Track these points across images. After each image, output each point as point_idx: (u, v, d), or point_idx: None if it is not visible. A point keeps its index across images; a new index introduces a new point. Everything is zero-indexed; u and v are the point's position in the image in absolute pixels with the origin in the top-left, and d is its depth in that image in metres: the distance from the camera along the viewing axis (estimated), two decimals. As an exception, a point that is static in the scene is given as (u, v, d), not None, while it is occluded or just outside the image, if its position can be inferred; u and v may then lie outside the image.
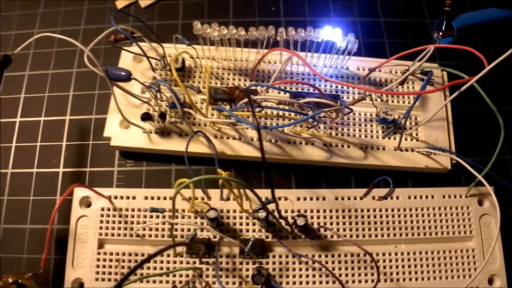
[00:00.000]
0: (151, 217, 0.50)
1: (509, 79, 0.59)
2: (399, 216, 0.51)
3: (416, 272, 0.49)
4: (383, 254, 0.49)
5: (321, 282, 0.48)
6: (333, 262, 0.49)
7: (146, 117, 0.50)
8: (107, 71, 0.46)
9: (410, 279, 0.49)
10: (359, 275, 0.48)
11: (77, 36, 0.61)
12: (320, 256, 0.49)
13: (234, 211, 0.50)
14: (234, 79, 0.56)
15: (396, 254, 0.49)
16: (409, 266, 0.49)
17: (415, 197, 0.51)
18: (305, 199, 0.51)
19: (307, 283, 0.48)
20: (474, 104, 0.56)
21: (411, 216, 0.51)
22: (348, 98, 0.55)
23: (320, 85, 0.56)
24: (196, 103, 0.54)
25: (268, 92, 0.54)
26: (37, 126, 0.56)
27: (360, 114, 0.55)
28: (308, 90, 0.55)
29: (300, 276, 0.48)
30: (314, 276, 0.48)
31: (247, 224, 0.50)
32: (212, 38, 0.50)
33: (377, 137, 0.54)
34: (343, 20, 0.63)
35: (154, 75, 0.54)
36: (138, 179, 0.54)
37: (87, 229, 0.49)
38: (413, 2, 0.65)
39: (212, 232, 0.48)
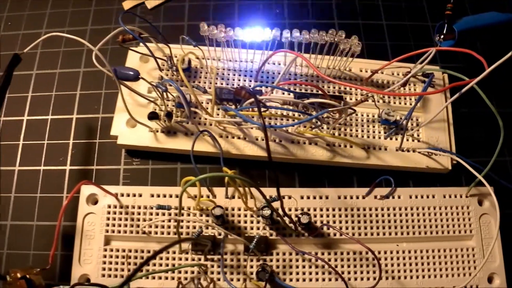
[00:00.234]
0: (157, 214, 0.50)
1: (509, 81, 0.60)
2: (400, 215, 0.51)
3: (417, 270, 0.50)
4: (385, 252, 0.50)
5: (324, 279, 0.49)
6: (335, 260, 0.49)
7: (153, 116, 0.51)
8: (115, 70, 0.47)
9: (411, 277, 0.49)
10: (361, 272, 0.49)
11: (84, 36, 0.62)
12: (323, 253, 0.50)
13: (239, 209, 0.51)
14: (239, 80, 0.57)
15: (397, 252, 0.50)
16: (410, 264, 0.50)
17: (416, 197, 0.52)
18: (308, 197, 0.52)
19: (310, 280, 0.49)
20: (475, 106, 0.57)
21: (412, 215, 0.51)
22: (351, 99, 0.56)
23: (323, 86, 0.56)
24: (202, 102, 0.55)
25: (273, 92, 0.55)
26: (45, 124, 0.57)
27: (362, 115, 0.56)
28: (312, 90, 0.56)
29: (304, 273, 0.49)
30: (317, 273, 0.49)
31: (252, 222, 0.50)
32: (218, 39, 0.51)
33: (379, 138, 0.55)
34: (347, 23, 0.63)
35: (161, 75, 0.54)
36: (144, 177, 0.55)
37: (93, 226, 0.50)
38: (414, 5, 0.65)
39: (218, 229, 0.49)
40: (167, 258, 0.49)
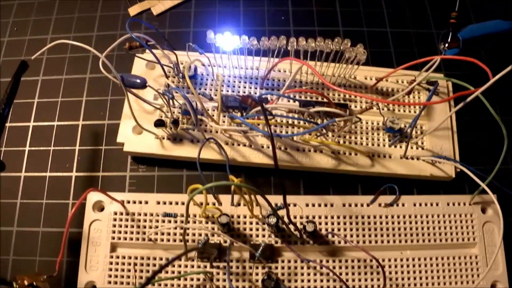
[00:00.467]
0: (163, 221, 0.51)
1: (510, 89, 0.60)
2: (404, 222, 0.52)
3: (420, 278, 0.50)
4: (389, 260, 0.50)
5: (328, 287, 0.49)
6: (340, 267, 0.50)
7: (159, 123, 0.51)
8: (122, 78, 0.47)
9: (415, 285, 0.50)
10: (366, 280, 0.49)
11: (90, 42, 0.62)
12: (328, 261, 0.50)
13: (245, 217, 0.51)
14: (244, 87, 0.57)
15: (401, 260, 0.50)
16: (414, 272, 0.50)
17: (420, 204, 0.53)
18: (313, 205, 0.52)
19: (315, 287, 0.49)
20: (478, 114, 0.57)
21: (416, 223, 0.52)
22: (356, 107, 0.57)
23: (328, 94, 0.57)
24: (208, 110, 0.55)
25: (279, 100, 0.55)
26: (51, 130, 0.58)
27: (367, 123, 0.56)
28: (317, 98, 0.56)
29: (309, 281, 0.49)
30: (322, 280, 0.49)
31: (257, 230, 0.51)
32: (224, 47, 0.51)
33: (384, 146, 0.55)
34: (351, 30, 0.64)
35: (167, 82, 0.55)
36: (150, 184, 0.55)
37: (100, 233, 0.50)
38: (419, 13, 0.66)
39: (223, 237, 0.49)
40: (173, 266, 0.49)
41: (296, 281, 0.49)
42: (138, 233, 0.50)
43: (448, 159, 0.54)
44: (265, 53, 0.52)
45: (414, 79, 0.56)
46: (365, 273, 0.50)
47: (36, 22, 0.64)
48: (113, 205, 0.51)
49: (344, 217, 0.52)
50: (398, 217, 0.52)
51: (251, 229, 0.51)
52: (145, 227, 0.50)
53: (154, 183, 0.55)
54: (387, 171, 0.54)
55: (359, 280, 0.50)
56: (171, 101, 0.52)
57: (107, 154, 0.56)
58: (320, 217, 0.51)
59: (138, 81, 0.48)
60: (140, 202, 0.51)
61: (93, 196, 0.51)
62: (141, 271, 0.49)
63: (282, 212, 0.47)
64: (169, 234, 0.50)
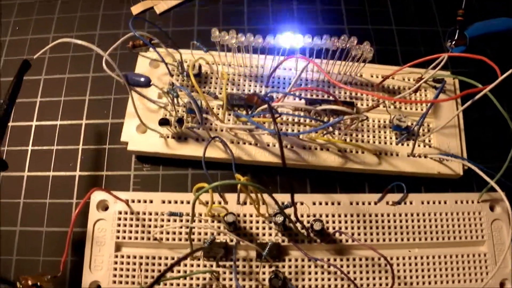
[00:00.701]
0: (169, 220, 0.50)
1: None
2: (412, 221, 0.51)
3: (429, 276, 0.50)
4: (397, 258, 0.50)
5: (336, 286, 0.49)
6: (348, 266, 0.49)
7: (164, 122, 0.51)
8: (126, 77, 0.47)
9: (424, 283, 0.49)
10: (374, 278, 0.49)
11: (93, 41, 0.62)
12: (335, 260, 0.49)
13: (251, 215, 0.51)
14: (250, 85, 0.57)
15: (409, 258, 0.50)
16: (422, 270, 0.50)
17: (428, 203, 0.52)
18: (320, 203, 0.52)
19: (323, 286, 0.48)
20: (486, 111, 0.56)
21: (424, 221, 0.51)
22: (362, 105, 0.56)
23: (334, 92, 0.56)
24: (213, 108, 0.55)
25: (285, 98, 0.54)
26: (54, 130, 0.57)
27: (374, 121, 0.56)
28: (323, 96, 0.56)
29: (316, 280, 0.49)
30: (329, 279, 0.49)
31: (264, 228, 0.50)
32: (229, 45, 0.51)
33: (391, 144, 0.55)
34: (356, 28, 0.63)
35: (171, 80, 0.54)
36: (155, 183, 0.54)
37: (104, 232, 0.50)
38: (424, 10, 0.65)
39: (230, 236, 0.49)
40: (179, 265, 0.49)
41: (303, 280, 0.49)
42: (143, 232, 0.50)
43: (455, 156, 0.54)
44: (271, 51, 0.52)
45: (421, 77, 0.56)
46: (373, 272, 0.49)
47: (38, 21, 0.63)
48: (117, 205, 0.51)
49: (352, 216, 0.51)
50: (406, 215, 0.51)
51: (257, 228, 0.50)
52: (150, 226, 0.50)
53: (158, 182, 0.54)
54: (394, 169, 0.53)
55: (367, 278, 0.49)
56: (175, 99, 0.51)
57: (111, 153, 0.56)
58: (327, 216, 0.51)
59: (142, 79, 0.48)
60: (145, 201, 0.51)
61: (97, 196, 0.51)
62: (146, 270, 0.49)
63: (288, 211, 0.46)
64: (174, 233, 0.50)
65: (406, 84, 0.57)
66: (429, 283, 0.49)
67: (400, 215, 0.51)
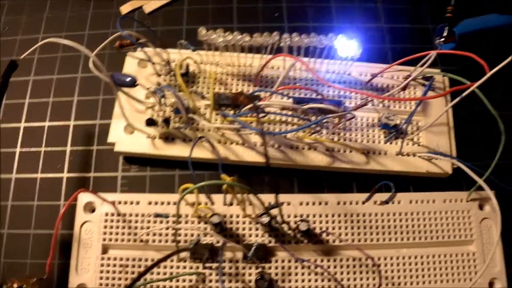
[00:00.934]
0: (155, 222, 0.50)
1: (510, 84, 0.59)
2: (400, 220, 0.51)
3: (417, 276, 0.49)
4: (385, 259, 0.50)
5: (323, 287, 0.48)
6: (335, 267, 0.49)
7: (150, 122, 0.51)
8: (112, 76, 0.46)
9: (412, 283, 0.49)
10: (361, 279, 0.49)
11: (82, 41, 0.61)
12: (322, 260, 0.49)
13: (237, 216, 0.50)
14: (238, 85, 0.56)
15: (397, 258, 0.50)
16: (411, 270, 0.49)
17: (416, 202, 0.52)
18: (307, 203, 0.51)
19: (310, 287, 0.48)
20: (476, 109, 0.56)
21: (412, 220, 0.51)
22: (350, 103, 0.56)
23: (323, 91, 0.56)
24: (200, 108, 0.54)
25: (272, 97, 0.54)
26: (42, 131, 0.57)
27: (362, 120, 0.55)
28: (311, 95, 0.55)
29: (303, 281, 0.48)
30: (316, 280, 0.48)
31: (250, 229, 0.50)
32: (217, 44, 0.50)
33: (379, 142, 0.54)
34: (345, 26, 0.63)
35: (158, 81, 0.54)
36: (142, 184, 0.54)
37: (91, 234, 0.50)
38: (414, 7, 0.65)
39: (216, 237, 0.48)
40: (165, 267, 0.48)
41: (290, 281, 0.48)
42: (129, 234, 0.50)
43: (444, 155, 0.53)
44: (259, 50, 0.52)
45: (410, 75, 0.55)
46: (361, 272, 0.49)
47: (27, 21, 0.63)
48: (104, 206, 0.50)
49: (339, 216, 0.51)
50: (394, 214, 0.51)
51: (244, 229, 0.50)
52: (136, 228, 0.50)
53: (146, 183, 0.54)
54: (382, 168, 0.53)
55: (355, 279, 0.49)
56: (163, 99, 0.51)
57: (99, 154, 0.56)
58: (314, 216, 0.51)
59: (128, 79, 0.48)
60: (132, 203, 0.51)
61: (84, 197, 0.51)
62: (133, 272, 0.48)
63: (276, 211, 0.46)
64: (160, 234, 0.49)
65: (395, 82, 0.57)
66: (417, 283, 0.49)
67: (388, 214, 0.51)
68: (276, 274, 0.49)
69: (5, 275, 0.50)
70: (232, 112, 0.54)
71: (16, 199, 0.54)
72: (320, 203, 0.51)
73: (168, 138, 0.53)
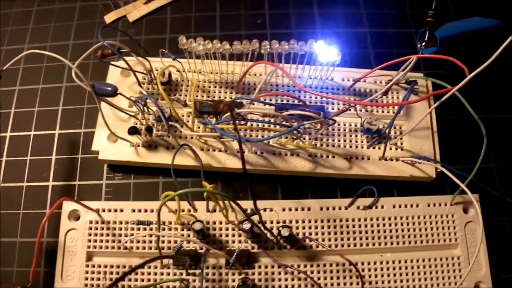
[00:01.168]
0: (138, 229, 0.50)
1: (491, 87, 0.59)
2: (384, 225, 0.51)
3: (401, 281, 0.49)
4: (369, 263, 0.50)
5: (306, 292, 0.48)
6: (318, 272, 0.49)
7: (133, 131, 0.51)
8: (93, 86, 0.47)
9: (396, 288, 0.49)
10: (345, 284, 0.49)
11: (67, 51, 0.62)
12: (305, 266, 0.49)
13: (220, 223, 0.50)
14: (220, 92, 0.57)
15: (381, 263, 0.50)
16: (395, 275, 0.49)
17: (400, 206, 0.52)
18: (290, 209, 0.51)
19: (293, 293, 0.48)
20: (459, 113, 0.55)
21: (396, 225, 0.51)
22: (333, 109, 0.56)
23: (305, 97, 0.56)
24: (183, 116, 0.55)
25: (253, 104, 0.54)
26: (27, 140, 0.57)
27: (344, 125, 0.55)
28: (293, 101, 0.56)
29: (286, 286, 0.48)
30: (299, 286, 0.48)
31: (233, 236, 0.50)
32: (197, 52, 0.51)
33: (362, 147, 0.54)
34: (328, 32, 0.63)
35: (140, 90, 0.54)
36: (126, 192, 0.54)
37: (75, 242, 0.50)
38: (398, 12, 0.65)
39: (198, 243, 0.49)
40: (149, 274, 0.49)
41: (273, 287, 0.48)
42: (113, 241, 0.50)
43: (427, 159, 0.53)
44: (240, 57, 0.52)
45: (391, 79, 0.55)
46: (344, 277, 0.49)
47: (12, 32, 0.64)
48: (88, 214, 0.51)
49: (322, 221, 0.51)
50: (378, 219, 0.51)
51: (227, 235, 0.50)
52: (120, 235, 0.50)
53: (130, 191, 0.54)
54: (365, 173, 0.53)
55: (338, 284, 0.49)
56: (145, 108, 0.52)
57: (84, 162, 0.56)
58: (297, 222, 0.51)
59: (109, 88, 0.48)
60: (116, 211, 0.51)
61: (68, 205, 0.51)
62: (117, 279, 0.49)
63: (257, 218, 0.46)
64: (144, 242, 0.50)
65: (377, 87, 0.57)
66: (402, 287, 0.49)
67: (371, 219, 0.51)
68: (259, 280, 0.49)
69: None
70: (214, 119, 0.54)
71: (2, 208, 0.54)
72: (303, 209, 0.51)
73: (151, 146, 0.54)
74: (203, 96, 0.56)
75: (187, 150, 0.53)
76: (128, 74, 0.57)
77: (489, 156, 0.56)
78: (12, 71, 0.59)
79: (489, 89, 0.59)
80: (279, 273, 0.49)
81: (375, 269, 0.49)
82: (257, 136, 0.54)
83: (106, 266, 0.49)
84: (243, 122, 0.50)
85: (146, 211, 0.51)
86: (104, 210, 0.51)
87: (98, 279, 0.49)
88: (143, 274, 0.49)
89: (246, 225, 0.47)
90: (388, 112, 0.56)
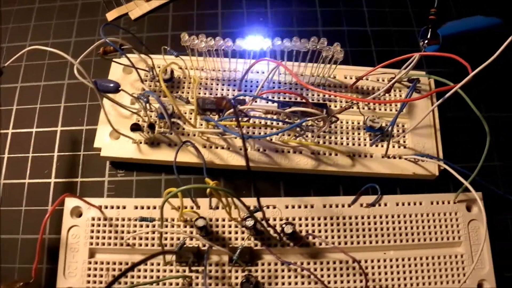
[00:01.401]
0: (141, 226, 0.50)
1: (494, 85, 0.59)
2: (387, 223, 0.51)
3: (405, 279, 0.49)
4: (372, 261, 0.49)
5: (309, 290, 0.48)
6: (321, 270, 0.49)
7: (135, 127, 0.51)
8: (96, 83, 0.47)
9: (399, 285, 0.49)
10: (348, 282, 0.49)
11: (68, 48, 0.62)
12: (308, 263, 0.49)
13: (223, 220, 0.50)
14: (222, 89, 0.57)
15: (384, 260, 0.50)
16: (398, 273, 0.49)
17: (403, 204, 0.52)
18: (293, 207, 0.51)
19: (296, 290, 0.48)
20: (462, 111, 0.56)
21: (399, 222, 0.51)
22: (336, 106, 0.56)
23: (307, 94, 0.56)
24: (185, 113, 0.55)
25: (256, 101, 0.54)
26: (29, 137, 0.57)
27: (347, 122, 0.55)
28: (296, 99, 0.55)
29: (289, 284, 0.48)
30: (302, 283, 0.48)
31: (236, 233, 0.50)
32: (199, 49, 0.51)
33: (365, 145, 0.54)
34: (330, 30, 0.63)
35: (143, 87, 0.54)
36: (129, 189, 0.54)
37: (78, 239, 0.50)
38: (400, 10, 0.65)
39: (201, 240, 0.48)
40: (152, 270, 0.49)
41: (276, 284, 0.48)
42: (116, 238, 0.50)
43: (430, 157, 0.53)
44: (242, 54, 0.52)
45: (394, 77, 0.55)
46: (347, 275, 0.49)
47: (14, 29, 0.64)
48: (90, 211, 0.51)
49: (325, 219, 0.51)
50: (381, 217, 0.51)
51: (230, 232, 0.50)
52: (123, 232, 0.50)
53: (132, 187, 0.54)
54: (368, 171, 0.53)
55: (341, 282, 0.49)
56: (147, 105, 0.51)
57: (86, 159, 0.56)
58: (300, 219, 0.51)
59: (111, 85, 0.48)
60: (118, 207, 0.51)
61: (70, 202, 0.51)
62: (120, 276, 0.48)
63: (260, 215, 0.46)
64: (147, 238, 0.50)
65: (380, 85, 0.57)
66: (405, 285, 0.49)
67: (374, 217, 0.51)
68: (262, 277, 0.49)
69: (-8, 281, 0.50)
70: (216, 116, 0.54)
71: (4, 205, 0.54)
72: (306, 206, 0.51)
73: (153, 143, 0.53)
74: (205, 93, 0.56)
75: (190, 147, 0.52)
76: (130, 71, 0.57)
77: (492, 154, 0.56)
78: (14, 68, 0.59)
79: (492, 87, 0.59)
80: (282, 270, 0.49)
81: (378, 267, 0.49)
82: (259, 133, 0.54)
83: (108, 263, 0.49)
84: (245, 119, 0.50)
85: (148, 208, 0.51)
86: (106, 207, 0.51)
87: (101, 276, 0.49)
88: (146, 271, 0.49)
89: (249, 222, 0.47)
90: (391, 110, 0.56)
